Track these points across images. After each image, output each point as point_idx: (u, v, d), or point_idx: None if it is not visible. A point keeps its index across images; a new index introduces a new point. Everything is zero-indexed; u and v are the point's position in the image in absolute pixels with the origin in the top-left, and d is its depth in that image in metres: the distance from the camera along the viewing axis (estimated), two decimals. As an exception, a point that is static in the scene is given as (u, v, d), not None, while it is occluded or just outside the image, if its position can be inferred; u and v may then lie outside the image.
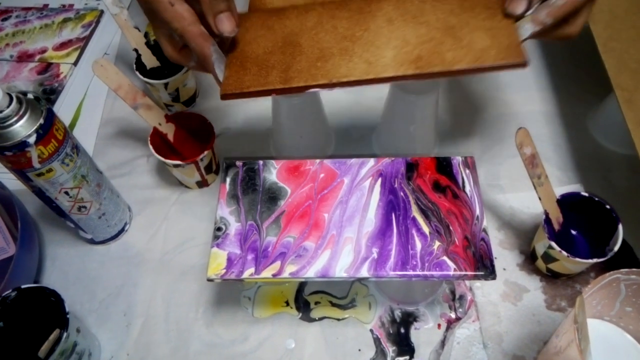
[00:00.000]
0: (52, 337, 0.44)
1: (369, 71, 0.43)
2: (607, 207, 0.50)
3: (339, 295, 0.55)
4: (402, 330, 0.53)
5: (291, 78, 0.44)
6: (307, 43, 0.45)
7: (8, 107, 0.43)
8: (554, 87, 0.70)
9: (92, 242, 0.59)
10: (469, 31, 0.44)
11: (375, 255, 0.43)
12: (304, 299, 0.55)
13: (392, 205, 0.46)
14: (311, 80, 0.43)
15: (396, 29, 0.45)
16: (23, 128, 0.44)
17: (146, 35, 0.77)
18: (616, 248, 0.49)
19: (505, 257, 0.56)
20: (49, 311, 0.47)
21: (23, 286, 0.48)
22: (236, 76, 0.45)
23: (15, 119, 0.43)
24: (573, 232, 0.54)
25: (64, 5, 0.83)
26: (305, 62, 0.44)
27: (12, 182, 0.56)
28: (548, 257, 0.52)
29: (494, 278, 0.42)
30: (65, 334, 0.45)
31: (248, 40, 0.47)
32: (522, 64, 0.42)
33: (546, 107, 0.68)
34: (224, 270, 0.43)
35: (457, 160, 0.49)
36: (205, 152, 0.57)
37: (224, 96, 0.45)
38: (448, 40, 0.43)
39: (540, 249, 0.53)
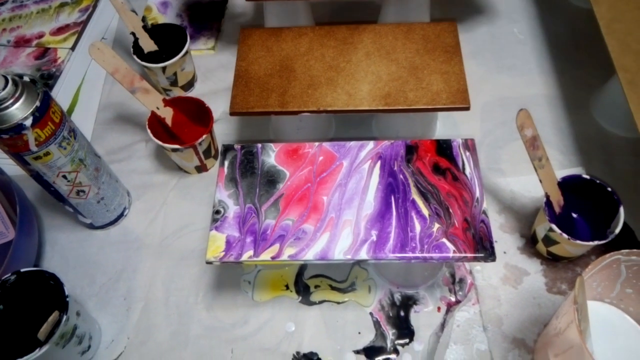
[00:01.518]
0: (51, 319, 0.44)
1: (349, 103, 0.52)
2: (609, 189, 0.50)
3: (339, 279, 0.55)
4: (402, 314, 0.53)
5: (287, 102, 0.53)
6: (300, 69, 0.54)
7: (3, 89, 0.42)
8: (557, 70, 0.69)
9: (91, 227, 0.59)
10: (428, 73, 0.54)
11: (374, 237, 0.43)
12: (303, 283, 0.55)
13: (392, 188, 0.46)
14: (303, 106, 0.52)
15: (372, 64, 0.54)
16: (19, 111, 0.43)
17: (144, 19, 0.76)
18: (617, 230, 0.48)
19: (505, 241, 0.56)
20: (49, 295, 0.47)
21: (22, 270, 0.48)
22: (242, 96, 0.53)
23: (11, 101, 0.43)
24: (574, 215, 0.54)
25: (60, -10, 0.82)
26: (299, 87, 0.53)
27: (11, 168, 0.56)
28: (549, 240, 0.52)
29: (493, 260, 0.42)
30: (65, 317, 0.45)
31: (251, 59, 0.56)
32: (466, 108, 0.52)
33: (548, 90, 0.67)
34: (223, 253, 0.43)
35: (458, 142, 0.48)
36: (204, 136, 0.57)
37: (233, 113, 0.53)
38: (412, 79, 0.53)
39: (541, 232, 0.52)
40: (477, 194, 0.45)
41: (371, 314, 0.53)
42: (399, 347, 0.51)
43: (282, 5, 0.60)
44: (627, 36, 0.55)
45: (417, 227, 0.44)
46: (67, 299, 0.46)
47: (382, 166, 0.47)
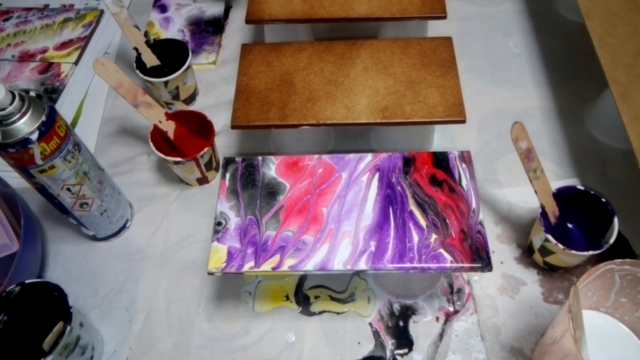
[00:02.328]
0: (56, 329, 0.45)
1: (348, 116, 0.54)
2: (603, 200, 0.51)
3: (338, 290, 0.56)
4: (401, 324, 0.53)
5: (287, 116, 0.54)
6: (300, 83, 0.56)
7: (11, 104, 0.43)
8: (551, 83, 0.70)
9: (94, 238, 0.60)
10: (425, 87, 0.55)
11: (373, 248, 0.44)
12: (303, 294, 0.56)
13: (390, 199, 0.47)
14: (303, 119, 0.54)
15: (370, 78, 0.56)
16: (25, 125, 0.44)
17: (146, 34, 0.78)
18: (612, 240, 0.49)
19: (502, 251, 0.57)
20: (53, 306, 0.48)
21: (27, 281, 0.48)
22: (243, 109, 0.55)
23: (17, 116, 0.44)
24: (569, 225, 0.54)
25: (64, 6, 0.84)
26: (298, 101, 0.55)
27: (15, 181, 0.57)
28: (545, 251, 0.52)
29: (489, 270, 0.43)
30: (68, 328, 0.45)
31: (252, 74, 0.57)
32: (462, 121, 0.53)
33: (543, 103, 0.69)
34: (224, 264, 0.44)
35: (454, 154, 0.49)
36: (205, 149, 0.58)
37: (234, 127, 0.54)
38: (409, 93, 0.54)
39: (537, 243, 0.53)
40: (474, 205, 0.46)
41: (370, 324, 0.54)
42: (398, 357, 0.51)
43: (282, 24, 0.62)
44: (619, 50, 0.57)
45: (415, 237, 0.44)
46: (71, 310, 0.46)
47: (380, 178, 0.48)
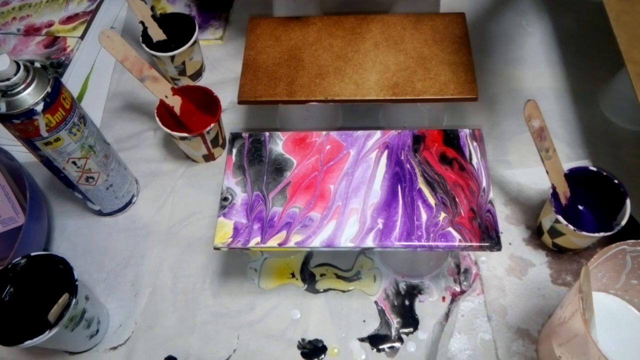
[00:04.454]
0: (62, 300, 0.45)
1: (357, 92, 0.53)
2: (615, 181, 0.50)
3: (344, 268, 0.55)
4: (407, 303, 0.53)
5: (295, 92, 0.53)
6: (308, 59, 0.55)
7: (15, 75, 0.43)
8: (565, 63, 0.69)
9: (100, 213, 0.60)
10: (437, 63, 0.54)
11: (380, 225, 0.44)
12: (309, 271, 0.55)
13: (398, 177, 0.46)
14: (311, 95, 0.53)
15: (380, 54, 0.54)
16: (30, 96, 0.44)
17: (152, 8, 0.77)
18: (623, 222, 0.48)
19: (511, 232, 0.56)
20: (59, 278, 0.48)
21: (33, 254, 0.48)
22: (250, 84, 0.54)
23: (22, 87, 0.43)
24: (580, 207, 0.54)
25: (70, -21, 0.83)
26: (307, 77, 0.54)
27: (21, 154, 0.57)
28: (554, 232, 0.52)
29: (499, 249, 0.42)
30: (74, 300, 0.45)
31: (259, 48, 0.56)
32: (474, 99, 0.52)
33: (556, 83, 0.67)
34: (231, 239, 0.44)
35: (465, 132, 0.48)
36: (212, 125, 0.57)
37: (241, 102, 0.53)
38: (420, 70, 0.53)
39: (546, 224, 0.53)
40: (484, 183, 0.45)
41: (376, 302, 0.53)
42: (404, 336, 0.51)
43: (291, -4, 0.61)
44: (637, 28, 0.55)
45: (424, 216, 0.44)
46: (77, 283, 0.46)
47: (389, 155, 0.47)
